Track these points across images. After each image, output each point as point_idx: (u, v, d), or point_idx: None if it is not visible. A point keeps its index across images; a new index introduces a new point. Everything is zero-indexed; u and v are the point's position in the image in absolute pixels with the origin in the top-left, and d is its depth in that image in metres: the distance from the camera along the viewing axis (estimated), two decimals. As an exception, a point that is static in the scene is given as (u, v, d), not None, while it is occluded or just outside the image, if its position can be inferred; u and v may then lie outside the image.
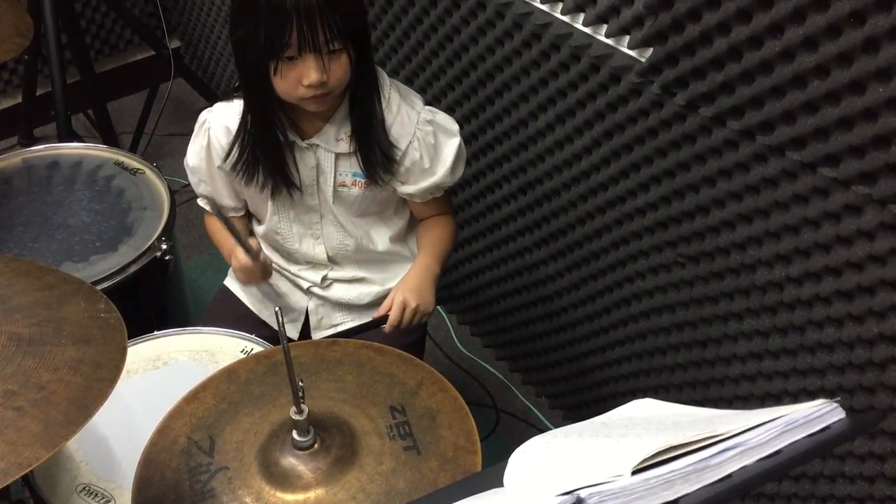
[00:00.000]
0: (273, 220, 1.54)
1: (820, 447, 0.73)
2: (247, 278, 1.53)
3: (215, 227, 1.60)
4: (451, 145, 1.46)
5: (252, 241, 1.49)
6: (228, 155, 1.45)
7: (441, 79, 1.92)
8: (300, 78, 1.30)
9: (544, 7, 1.58)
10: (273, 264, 1.58)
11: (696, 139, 1.40)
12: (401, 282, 1.50)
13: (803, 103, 1.21)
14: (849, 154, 1.20)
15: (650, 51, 1.41)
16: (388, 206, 1.55)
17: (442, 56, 1.88)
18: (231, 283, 1.67)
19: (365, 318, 1.55)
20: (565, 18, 1.55)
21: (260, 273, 1.51)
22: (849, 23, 1.11)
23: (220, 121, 1.46)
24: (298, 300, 1.62)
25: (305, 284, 1.60)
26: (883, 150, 1.15)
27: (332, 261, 1.58)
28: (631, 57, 1.46)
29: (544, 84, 1.65)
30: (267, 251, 1.61)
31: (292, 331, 1.63)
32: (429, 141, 1.44)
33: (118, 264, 1.60)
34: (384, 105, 1.42)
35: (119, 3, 2.84)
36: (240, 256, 1.47)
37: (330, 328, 1.62)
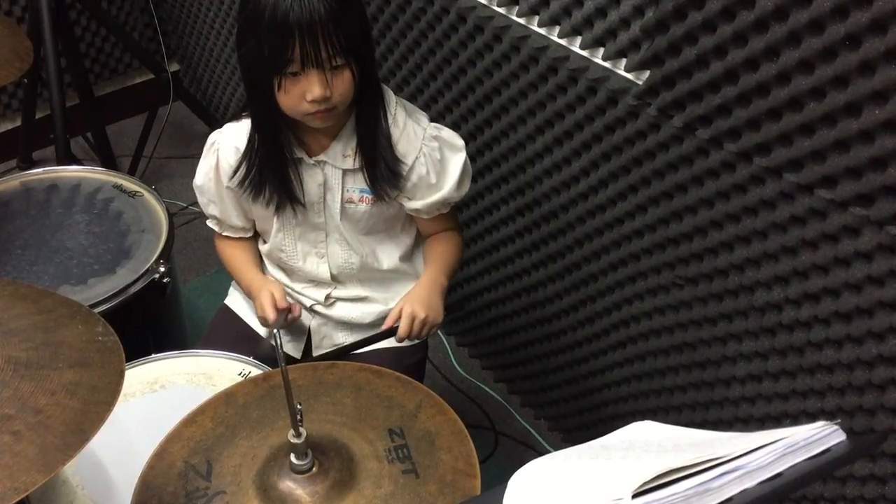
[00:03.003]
0: (278, 237, 1.54)
1: (820, 470, 0.72)
2: (264, 324, 1.54)
3: (229, 254, 1.60)
4: (456, 160, 1.47)
5: (294, 307, 1.52)
6: (237, 172, 1.46)
7: (439, 101, 1.93)
8: (303, 94, 1.30)
9: (542, 30, 1.59)
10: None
11: (693, 161, 1.41)
12: (409, 293, 1.49)
13: (800, 125, 1.22)
14: (846, 176, 1.20)
15: (647, 73, 1.41)
16: (396, 223, 1.55)
17: (440, 78, 1.89)
18: (232, 302, 1.67)
19: (368, 336, 1.55)
20: (563, 42, 1.56)
21: (280, 323, 1.51)
22: (844, 45, 1.12)
23: (230, 141, 1.47)
24: (301, 319, 1.62)
25: (308, 303, 1.60)
26: (880, 172, 1.15)
27: (336, 279, 1.58)
28: (628, 80, 1.47)
29: (542, 107, 1.66)
30: (270, 269, 1.61)
31: (294, 351, 1.62)
32: (435, 156, 1.45)
33: (116, 287, 1.60)
34: (390, 121, 1.42)
35: (118, 27, 2.86)
36: (267, 311, 1.47)
37: (332, 347, 1.61)
